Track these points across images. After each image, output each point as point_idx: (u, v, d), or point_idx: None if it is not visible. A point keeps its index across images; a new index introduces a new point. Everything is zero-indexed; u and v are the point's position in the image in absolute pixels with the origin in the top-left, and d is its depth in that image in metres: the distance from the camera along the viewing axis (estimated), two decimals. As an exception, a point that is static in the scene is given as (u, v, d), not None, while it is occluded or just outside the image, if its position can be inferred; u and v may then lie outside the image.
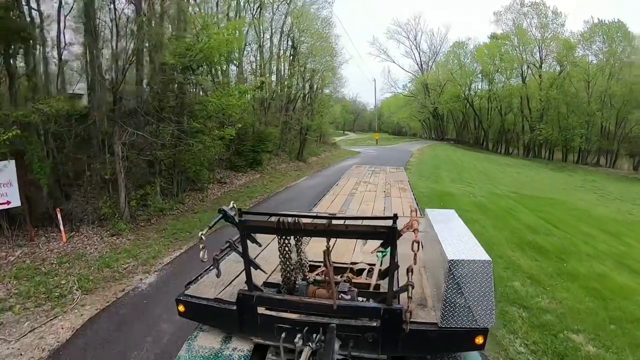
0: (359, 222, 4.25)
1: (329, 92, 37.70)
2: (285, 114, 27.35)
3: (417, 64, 69.97)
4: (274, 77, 27.32)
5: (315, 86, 30.40)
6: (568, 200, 22.76)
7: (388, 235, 3.08)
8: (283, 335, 3.26)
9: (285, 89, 27.73)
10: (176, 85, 14.05)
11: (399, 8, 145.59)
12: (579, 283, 8.76)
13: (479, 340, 3.17)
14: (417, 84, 68.65)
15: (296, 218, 3.21)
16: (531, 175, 34.17)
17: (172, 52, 12.81)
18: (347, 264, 4.45)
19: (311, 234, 3.54)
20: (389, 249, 3.46)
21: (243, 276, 3.60)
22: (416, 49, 69.12)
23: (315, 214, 4.34)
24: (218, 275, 3.54)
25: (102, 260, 9.44)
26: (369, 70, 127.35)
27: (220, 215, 3.40)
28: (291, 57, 27.84)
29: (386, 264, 3.78)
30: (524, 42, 52.83)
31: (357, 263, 4.51)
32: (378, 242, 3.67)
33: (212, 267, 4.10)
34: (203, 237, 3.23)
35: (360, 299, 3.57)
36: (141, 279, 8.68)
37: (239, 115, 17.58)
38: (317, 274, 3.96)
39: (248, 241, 3.41)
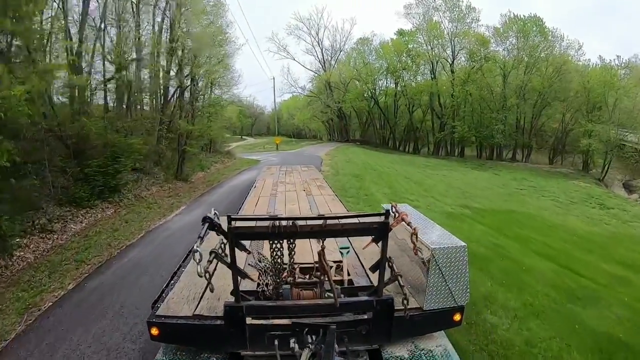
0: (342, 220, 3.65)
1: (219, 91, 31.22)
2: (161, 116, 20.19)
3: (320, 62, 64.98)
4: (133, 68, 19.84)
5: (198, 80, 23.33)
6: (531, 212, 18.91)
7: (380, 230, 3.27)
8: (276, 342, 3.23)
9: (161, 80, 20.44)
10: None
11: (301, 2, 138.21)
12: None
13: (457, 317, 3.67)
14: (319, 82, 63.73)
15: (291, 220, 3.18)
16: (459, 177, 30.04)
17: None
18: (311, 263, 4.42)
19: (306, 236, 3.51)
20: (349, 246, 4.60)
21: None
22: (318, 45, 63.94)
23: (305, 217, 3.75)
24: (212, 290, 3.18)
25: None
26: (267, 69, 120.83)
27: (207, 225, 3.19)
28: (167, 40, 20.63)
29: (352, 259, 4.74)
30: (436, 35, 50.08)
31: None
32: (332, 240, 4.64)
33: (173, 282, 4.17)
34: (199, 250, 2.88)
35: (340, 295, 3.56)
36: None
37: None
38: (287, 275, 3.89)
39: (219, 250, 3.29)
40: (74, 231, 12.30)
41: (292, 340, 3.18)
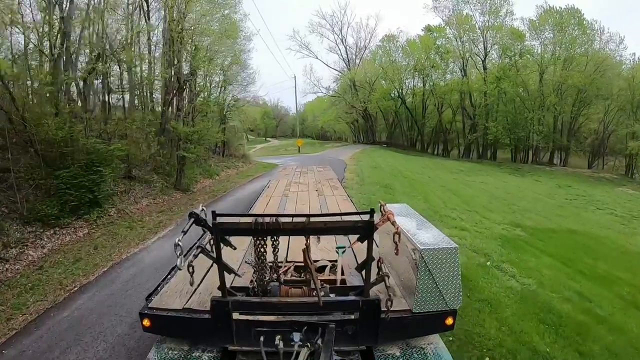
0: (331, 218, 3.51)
1: (232, 89, 28.80)
2: (149, 116, 17.57)
3: (344, 60, 62.05)
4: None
5: (210, 76, 20.51)
6: (594, 232, 15.61)
7: (365, 229, 3.17)
8: (262, 339, 3.18)
9: (170, 71, 17.48)
10: None
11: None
12: None
13: (449, 321, 3.50)
14: (344, 82, 60.82)
15: (274, 217, 3.16)
16: (499, 185, 26.83)
17: None
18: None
19: (290, 233, 3.52)
20: (345, 246, 4.59)
21: (207, 282, 3.89)
22: (342, 43, 61.14)
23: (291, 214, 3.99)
24: (192, 284, 3.18)
25: None
26: (288, 67, 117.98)
27: (192, 220, 3.19)
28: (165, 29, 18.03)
29: (348, 259, 4.55)
30: (466, 30, 47.01)
31: (318, 261, 4.46)
32: (331, 238, 5.06)
33: (169, 277, 4.21)
34: (180, 243, 2.92)
35: (331, 294, 3.61)
36: None
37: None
38: (284, 273, 4.08)
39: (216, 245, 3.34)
40: (30, 260, 9.85)
41: (277, 337, 3.10)
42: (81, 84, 13.89)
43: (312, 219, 3.14)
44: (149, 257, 9.70)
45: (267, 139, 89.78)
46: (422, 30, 53.50)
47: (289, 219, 3.19)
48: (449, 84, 50.43)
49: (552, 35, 44.28)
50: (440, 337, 3.72)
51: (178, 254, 2.87)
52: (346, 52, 61.51)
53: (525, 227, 14.28)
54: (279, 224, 3.10)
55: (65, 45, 13.48)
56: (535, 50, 45.61)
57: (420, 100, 54.42)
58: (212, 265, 3.88)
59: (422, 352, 3.47)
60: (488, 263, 9.15)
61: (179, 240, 2.90)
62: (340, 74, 62.26)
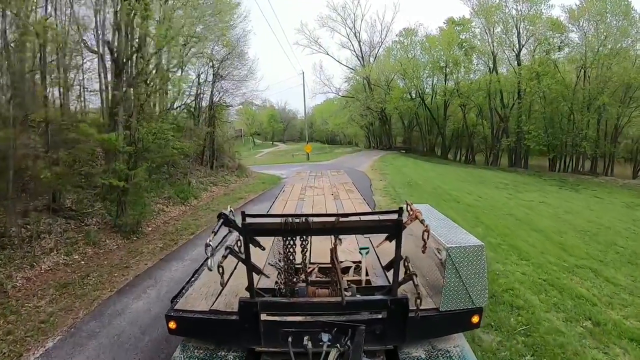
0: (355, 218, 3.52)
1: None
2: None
3: (357, 57, 56.04)
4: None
5: (156, 52, 14.03)
6: None
7: (394, 228, 3.09)
8: (290, 339, 3.13)
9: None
10: None
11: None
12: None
13: (475, 319, 3.42)
14: (358, 81, 55.02)
15: (303, 217, 3.08)
16: (564, 205, 20.75)
17: None
18: (329, 263, 4.13)
19: (319, 233, 3.38)
20: (369, 246, 4.48)
21: (231, 284, 3.79)
22: (355, 37, 55.19)
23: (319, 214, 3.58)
24: (223, 285, 3.24)
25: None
26: (298, 63, 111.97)
27: (221, 221, 3.14)
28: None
29: (371, 260, 4.47)
30: (497, 20, 42.03)
31: (342, 262, 4.28)
32: (353, 240, 5.12)
33: (194, 279, 4.17)
34: (211, 244, 2.86)
35: (357, 295, 3.52)
36: None
37: None
38: (309, 274, 3.89)
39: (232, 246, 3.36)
40: None
41: (305, 338, 3.09)
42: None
43: (342, 219, 3.03)
44: None
45: (275, 143, 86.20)
46: (444, 23, 48.81)
47: (318, 219, 3.09)
48: (474, 82, 45.55)
49: (594, 26, 38.52)
50: (466, 339, 3.57)
51: (209, 254, 2.82)
52: (360, 48, 55.63)
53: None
54: (308, 223, 3.01)
55: None
56: (577, 43, 40.05)
57: (442, 100, 49.42)
58: (236, 267, 3.87)
59: (448, 354, 3.36)
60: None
61: (209, 240, 2.82)
62: (353, 71, 56.41)
